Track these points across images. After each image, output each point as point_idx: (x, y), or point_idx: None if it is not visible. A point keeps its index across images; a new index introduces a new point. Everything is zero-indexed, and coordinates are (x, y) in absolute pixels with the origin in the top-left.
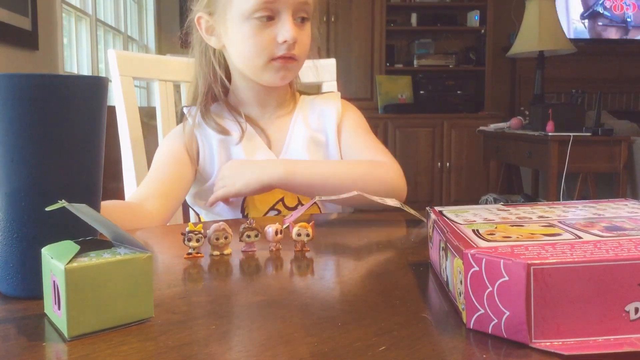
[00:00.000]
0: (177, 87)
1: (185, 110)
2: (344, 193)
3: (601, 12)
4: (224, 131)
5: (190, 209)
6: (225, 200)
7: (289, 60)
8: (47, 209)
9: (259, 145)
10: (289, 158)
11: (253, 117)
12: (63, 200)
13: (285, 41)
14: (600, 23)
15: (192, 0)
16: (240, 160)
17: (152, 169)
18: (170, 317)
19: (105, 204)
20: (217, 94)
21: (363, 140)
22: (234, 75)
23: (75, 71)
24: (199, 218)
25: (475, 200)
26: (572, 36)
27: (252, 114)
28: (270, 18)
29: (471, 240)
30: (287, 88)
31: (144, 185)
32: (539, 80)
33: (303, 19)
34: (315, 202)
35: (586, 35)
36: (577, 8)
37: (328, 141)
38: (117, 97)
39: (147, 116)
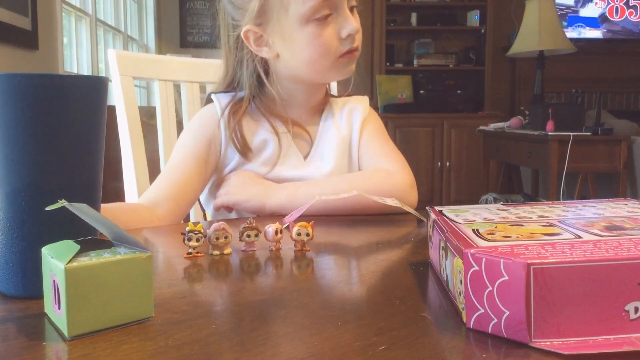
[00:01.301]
0: (177, 87)
1: (214, 97)
2: (348, 207)
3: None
4: (247, 156)
5: (200, 208)
6: (228, 208)
7: (354, 53)
8: (47, 208)
9: (287, 147)
10: (316, 159)
11: (287, 115)
12: (63, 200)
13: (349, 35)
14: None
15: (233, 13)
16: (248, 172)
17: (169, 165)
18: (170, 317)
19: (113, 206)
20: (256, 98)
21: (380, 146)
22: (275, 79)
23: (75, 71)
24: (205, 217)
25: (475, 200)
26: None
27: (286, 112)
28: (329, 15)
29: (471, 240)
30: (325, 87)
31: (157, 185)
32: (539, 80)
33: (352, 8)
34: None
35: (586, 36)
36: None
37: (352, 141)
38: (117, 97)
39: (147, 116)
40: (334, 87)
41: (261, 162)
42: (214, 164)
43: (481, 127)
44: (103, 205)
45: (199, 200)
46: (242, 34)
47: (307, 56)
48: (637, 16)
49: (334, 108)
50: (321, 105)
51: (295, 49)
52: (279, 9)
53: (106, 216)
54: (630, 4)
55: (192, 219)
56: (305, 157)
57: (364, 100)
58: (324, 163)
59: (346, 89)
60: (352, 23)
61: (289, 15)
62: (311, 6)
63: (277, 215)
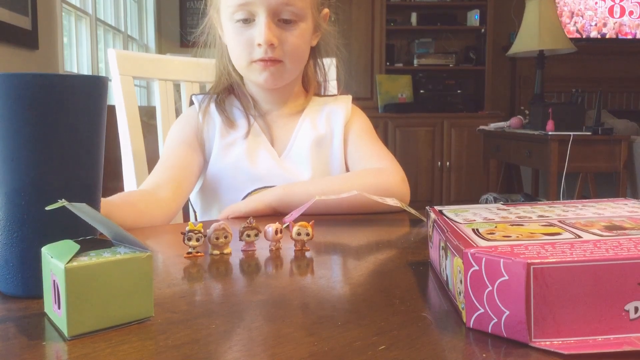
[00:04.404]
0: (177, 87)
1: (194, 98)
2: (348, 207)
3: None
4: (230, 124)
5: (190, 207)
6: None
7: (270, 62)
8: (47, 208)
9: (262, 142)
10: (291, 158)
11: (262, 112)
12: (63, 200)
13: (259, 44)
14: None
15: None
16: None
17: (164, 154)
18: (170, 317)
19: (118, 196)
20: (233, 86)
21: (368, 145)
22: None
23: (75, 71)
24: (195, 216)
25: (475, 200)
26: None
27: (262, 109)
28: (250, 20)
29: (471, 240)
30: (293, 87)
31: (157, 171)
32: (539, 80)
33: (288, 21)
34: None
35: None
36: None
37: (333, 142)
38: (117, 96)
39: (147, 116)
40: (333, 87)
41: (236, 155)
42: (202, 152)
43: (481, 127)
44: (105, 200)
45: (189, 199)
46: (211, 13)
47: (230, 51)
48: (638, 16)
49: (314, 109)
50: (302, 105)
51: (227, 41)
52: (218, 1)
53: (118, 207)
54: (631, 4)
55: (192, 219)
56: (280, 154)
57: (347, 99)
58: (298, 161)
59: (348, 88)
60: (262, 33)
61: (221, 9)
62: (231, 5)
63: (277, 215)
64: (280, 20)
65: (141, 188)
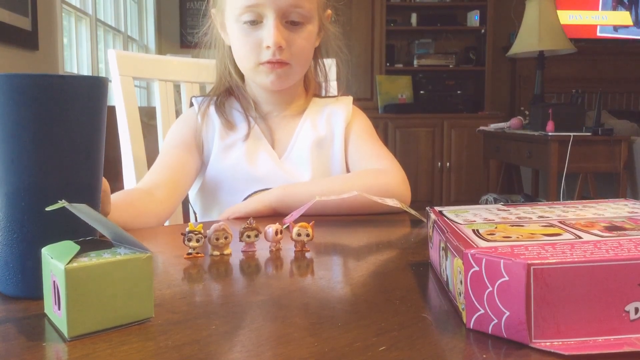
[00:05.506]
0: (177, 87)
1: (194, 100)
2: (348, 207)
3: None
4: (229, 126)
5: (190, 208)
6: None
7: (277, 65)
8: (47, 209)
9: (262, 144)
10: (292, 159)
11: (262, 114)
12: (63, 200)
13: (268, 46)
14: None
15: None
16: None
17: (162, 153)
18: (170, 317)
19: (117, 195)
20: (232, 88)
21: (369, 146)
22: (246, 80)
23: (75, 71)
24: (196, 218)
25: (475, 200)
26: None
27: (262, 111)
28: (258, 22)
29: (471, 240)
30: (296, 89)
31: (154, 170)
32: (539, 80)
33: (296, 23)
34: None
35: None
36: None
37: (334, 143)
38: (117, 97)
39: (147, 116)
40: (334, 88)
41: (236, 157)
42: (200, 154)
43: (481, 127)
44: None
45: (189, 200)
46: (212, 14)
47: (235, 52)
48: (637, 16)
49: (314, 110)
50: (302, 106)
51: (231, 42)
52: (222, 2)
53: (115, 206)
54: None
55: (192, 220)
56: (280, 156)
57: (347, 100)
58: (298, 163)
59: (348, 88)
60: (271, 36)
61: (227, 10)
62: (238, 7)
63: (277, 216)
64: (288, 22)
65: (138, 187)
